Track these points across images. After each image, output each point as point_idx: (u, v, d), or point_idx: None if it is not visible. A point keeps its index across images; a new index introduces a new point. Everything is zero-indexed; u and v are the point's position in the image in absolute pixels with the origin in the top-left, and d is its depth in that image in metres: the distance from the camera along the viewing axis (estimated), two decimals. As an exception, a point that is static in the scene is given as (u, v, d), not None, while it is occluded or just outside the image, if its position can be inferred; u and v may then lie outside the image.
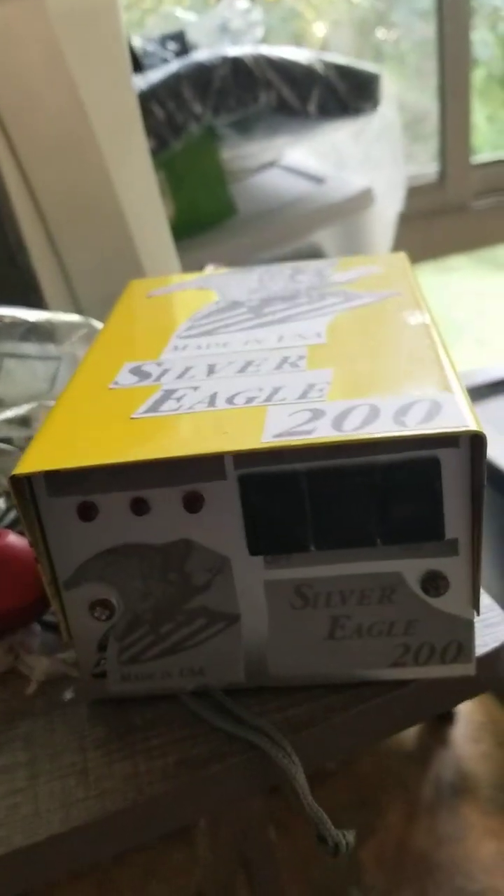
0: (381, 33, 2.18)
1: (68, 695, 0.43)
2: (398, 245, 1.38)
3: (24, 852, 0.36)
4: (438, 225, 1.82)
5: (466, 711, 1.26)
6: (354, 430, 0.35)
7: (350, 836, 0.38)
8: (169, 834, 0.38)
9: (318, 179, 1.28)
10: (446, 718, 1.24)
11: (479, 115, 1.96)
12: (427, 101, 2.00)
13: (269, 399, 0.39)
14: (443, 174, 1.85)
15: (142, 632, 0.41)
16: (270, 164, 1.36)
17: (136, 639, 0.41)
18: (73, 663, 0.45)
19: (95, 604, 0.40)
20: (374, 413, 0.36)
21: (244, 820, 0.74)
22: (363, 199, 1.22)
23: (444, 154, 1.84)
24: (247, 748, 0.39)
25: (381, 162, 1.29)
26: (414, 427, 0.34)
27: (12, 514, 0.57)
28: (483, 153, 1.95)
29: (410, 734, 1.25)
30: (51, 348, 0.60)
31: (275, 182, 1.31)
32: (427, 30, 2.03)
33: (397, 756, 1.21)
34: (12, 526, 0.55)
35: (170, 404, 0.40)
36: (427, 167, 1.87)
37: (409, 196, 1.39)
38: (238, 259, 1.03)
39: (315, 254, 1.24)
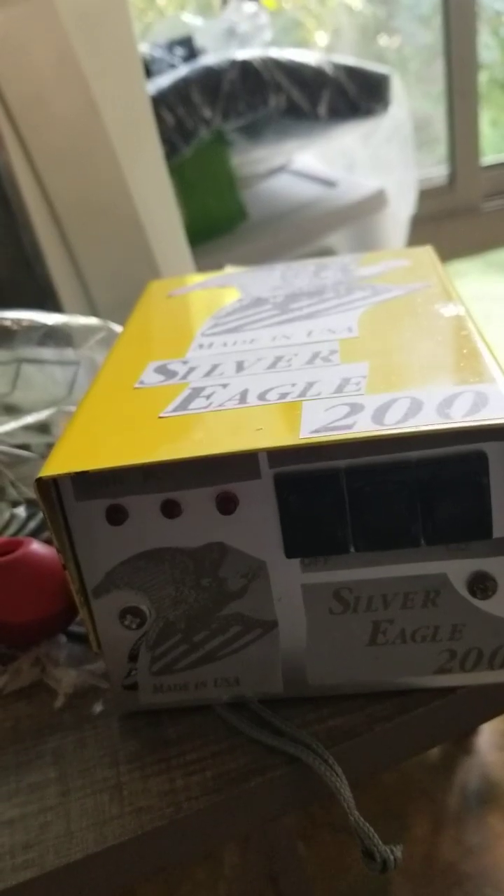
0: (383, 40, 2.17)
1: (98, 708, 0.42)
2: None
3: (58, 874, 0.34)
4: (448, 227, 1.81)
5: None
6: (397, 423, 0.33)
7: (398, 852, 0.36)
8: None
9: (329, 183, 1.26)
10: (470, 727, 1.22)
11: (483, 119, 1.94)
12: (429, 108, 1.99)
13: (303, 394, 0.37)
14: (452, 176, 1.84)
15: (174, 640, 0.39)
16: (280, 170, 1.35)
17: (168, 648, 0.39)
18: (102, 675, 0.43)
19: (125, 612, 0.38)
20: (416, 406, 0.34)
21: (273, 835, 0.72)
22: (376, 201, 1.21)
23: (453, 156, 1.83)
24: (287, 761, 0.37)
25: (392, 163, 1.27)
26: (460, 419, 0.33)
27: (32, 524, 0.55)
28: (487, 157, 1.93)
29: (434, 744, 1.22)
30: (69, 353, 0.59)
31: (285, 186, 1.30)
32: (429, 36, 2.02)
33: (421, 766, 1.19)
34: (34, 535, 0.53)
35: (199, 402, 0.38)
36: (434, 171, 1.86)
37: (418, 199, 1.38)
38: (251, 264, 1.02)
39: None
